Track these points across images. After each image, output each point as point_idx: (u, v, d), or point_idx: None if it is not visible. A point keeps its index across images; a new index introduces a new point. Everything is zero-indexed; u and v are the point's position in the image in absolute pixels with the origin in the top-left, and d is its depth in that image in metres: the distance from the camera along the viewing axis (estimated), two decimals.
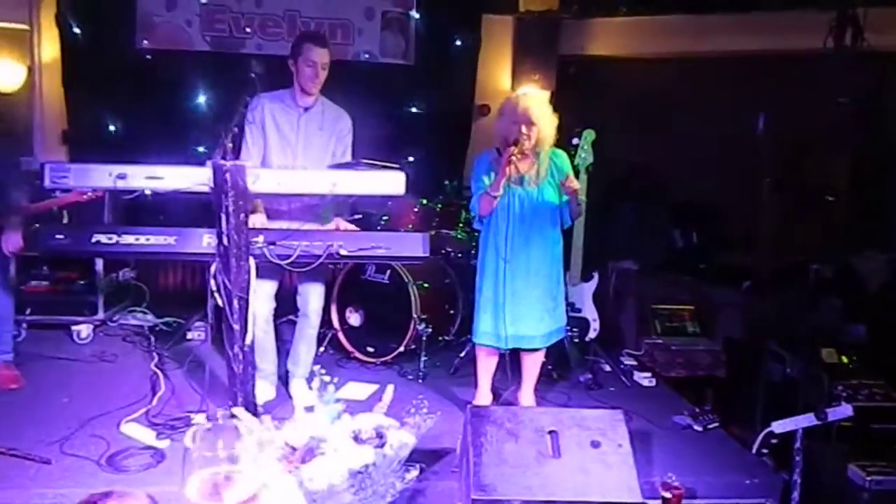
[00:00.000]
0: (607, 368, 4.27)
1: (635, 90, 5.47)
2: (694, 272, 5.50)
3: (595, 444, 2.54)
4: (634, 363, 4.39)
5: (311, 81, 3.28)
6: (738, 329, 4.74)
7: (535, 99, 3.30)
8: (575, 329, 4.08)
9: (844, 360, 3.87)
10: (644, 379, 4.16)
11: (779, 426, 3.15)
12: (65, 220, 4.33)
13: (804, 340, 3.73)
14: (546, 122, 3.22)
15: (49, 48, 5.24)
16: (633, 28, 5.66)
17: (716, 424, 3.51)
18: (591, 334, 4.14)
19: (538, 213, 3.26)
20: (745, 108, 5.46)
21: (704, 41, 5.40)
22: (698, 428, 3.48)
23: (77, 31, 5.11)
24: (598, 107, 5.14)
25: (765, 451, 3.25)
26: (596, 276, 4.18)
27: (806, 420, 3.09)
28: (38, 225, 3.55)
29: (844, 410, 3.11)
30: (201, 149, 5.16)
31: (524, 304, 3.29)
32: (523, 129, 3.15)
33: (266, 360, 3.49)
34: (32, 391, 3.57)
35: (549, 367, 4.01)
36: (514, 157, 3.13)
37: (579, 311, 4.11)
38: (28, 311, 4.42)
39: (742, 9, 5.27)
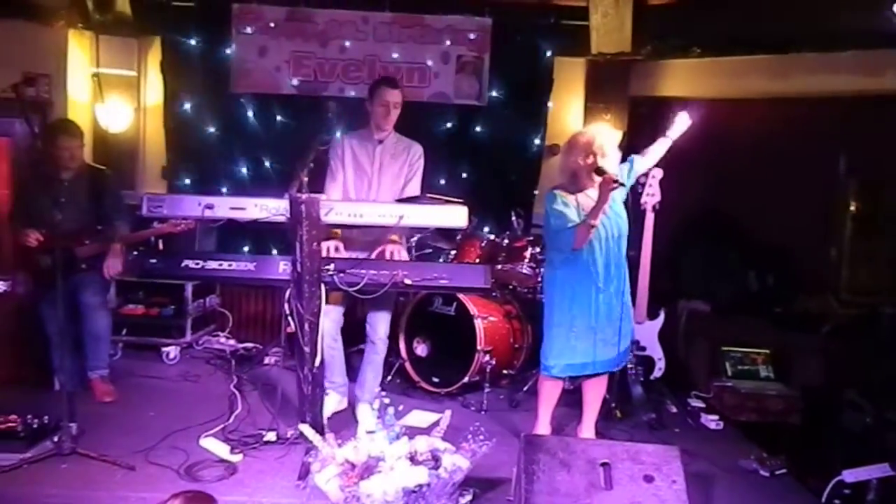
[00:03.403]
0: (673, 409, 4.21)
1: (707, 131, 5.42)
2: (769, 316, 5.34)
3: (648, 479, 2.54)
4: (702, 405, 4.30)
5: (384, 119, 3.66)
6: (817, 376, 4.55)
7: (608, 133, 3.40)
8: (640, 367, 4.06)
9: None
10: (711, 422, 4.07)
11: (850, 475, 3.04)
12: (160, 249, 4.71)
13: (878, 387, 3.57)
14: (616, 155, 3.31)
15: (153, 93, 5.76)
16: (706, 69, 5.65)
17: (783, 470, 3.40)
18: (656, 373, 4.11)
19: (616, 241, 3.35)
20: (824, 150, 5.32)
21: (779, 82, 5.32)
22: (765, 473, 3.39)
23: (177, 77, 5.59)
24: (671, 147, 5.14)
25: (836, 501, 3.13)
26: (662, 314, 4.15)
27: (880, 470, 2.97)
28: (136, 252, 3.91)
29: None
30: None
31: (612, 329, 3.33)
32: (600, 159, 3.23)
33: (335, 372, 3.74)
34: (123, 405, 3.90)
35: (612, 405, 3.99)
36: (614, 185, 3.15)
37: (644, 349, 4.09)
38: (124, 332, 4.82)
39: (821, 49, 5.18)
